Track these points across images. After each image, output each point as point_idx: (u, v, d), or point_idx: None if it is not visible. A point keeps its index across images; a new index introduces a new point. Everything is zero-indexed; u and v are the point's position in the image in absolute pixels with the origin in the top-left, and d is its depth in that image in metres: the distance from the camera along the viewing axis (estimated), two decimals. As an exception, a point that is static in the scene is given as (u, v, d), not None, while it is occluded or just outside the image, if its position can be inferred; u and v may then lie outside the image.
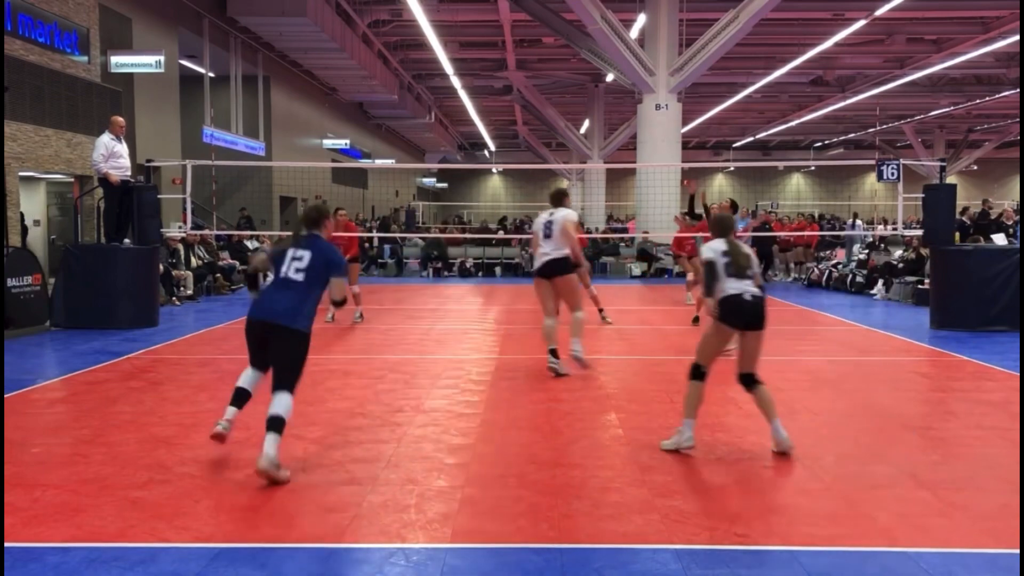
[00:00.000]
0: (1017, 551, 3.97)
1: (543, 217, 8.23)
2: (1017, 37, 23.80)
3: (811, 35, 25.18)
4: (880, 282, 16.43)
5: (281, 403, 5.08)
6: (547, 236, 8.09)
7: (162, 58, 15.94)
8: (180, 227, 15.32)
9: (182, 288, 15.21)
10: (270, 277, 5.36)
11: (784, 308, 14.74)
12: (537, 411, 6.77)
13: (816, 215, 34.80)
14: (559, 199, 8.28)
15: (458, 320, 12.60)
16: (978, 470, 5.26)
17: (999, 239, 14.13)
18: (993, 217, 18.90)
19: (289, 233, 5.66)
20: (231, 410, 5.44)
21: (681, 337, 11.04)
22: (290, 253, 5.29)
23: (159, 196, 12.70)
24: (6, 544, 3.98)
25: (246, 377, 5.49)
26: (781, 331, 11.81)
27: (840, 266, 18.83)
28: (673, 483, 4.94)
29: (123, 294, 11.56)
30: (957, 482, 5.04)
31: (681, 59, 20.55)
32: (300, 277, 5.21)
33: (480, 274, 22.25)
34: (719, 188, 58.99)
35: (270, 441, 4.92)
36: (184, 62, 19.85)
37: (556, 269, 8.11)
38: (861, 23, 22.87)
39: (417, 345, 10.46)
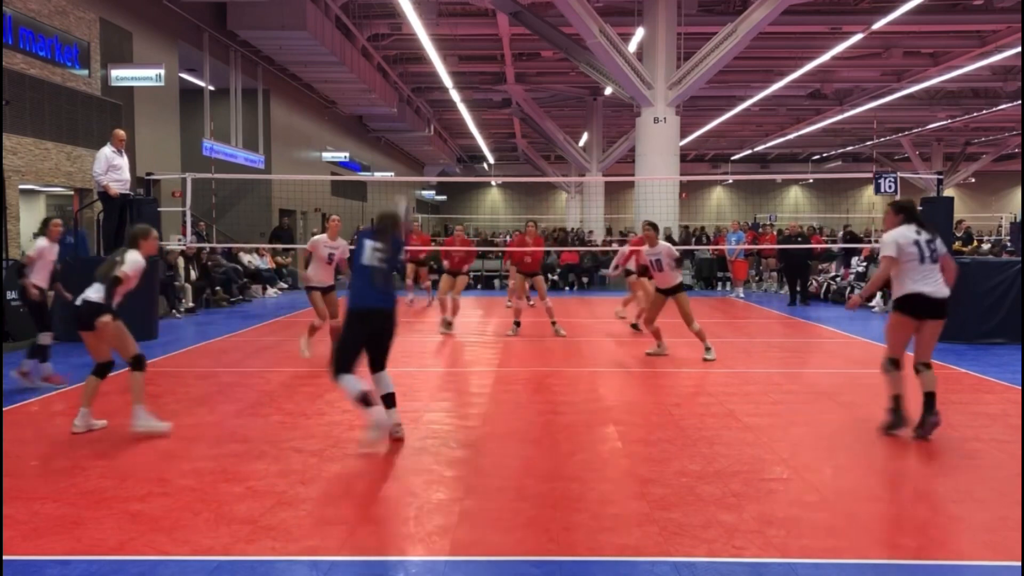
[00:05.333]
0: (1018, 563, 3.98)
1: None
2: (1014, 51, 23.92)
3: (809, 48, 25.28)
4: (879, 295, 16.44)
5: (389, 381, 6.21)
6: None
7: (162, 71, 15.99)
8: (180, 240, 15.35)
9: (182, 300, 15.24)
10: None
11: (782, 321, 14.76)
12: (536, 424, 6.78)
13: (816, 227, 34.83)
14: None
15: (457, 332, 12.60)
16: (977, 482, 5.26)
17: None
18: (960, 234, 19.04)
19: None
20: (376, 411, 5.94)
21: (679, 349, 11.06)
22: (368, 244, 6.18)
23: (159, 209, 12.73)
24: (6, 557, 3.99)
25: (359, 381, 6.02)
26: (779, 344, 11.84)
27: (838, 279, 18.85)
28: (672, 496, 4.95)
29: (122, 307, 11.53)
30: (956, 494, 5.04)
31: (679, 72, 20.62)
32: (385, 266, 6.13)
33: (479, 286, 22.28)
34: (717, 201, 59.11)
35: (395, 413, 6.16)
36: (184, 75, 19.91)
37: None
38: (859, 37, 22.96)
39: (416, 357, 10.46)
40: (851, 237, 23.71)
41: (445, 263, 13.38)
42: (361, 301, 6.05)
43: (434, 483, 5.22)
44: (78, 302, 6.56)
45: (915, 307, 6.37)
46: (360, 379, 5.99)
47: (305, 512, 4.67)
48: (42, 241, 8.67)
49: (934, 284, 6.36)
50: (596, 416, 7.11)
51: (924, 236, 6.40)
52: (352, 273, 6.33)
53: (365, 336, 6.09)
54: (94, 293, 6.46)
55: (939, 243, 6.47)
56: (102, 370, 6.56)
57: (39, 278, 8.66)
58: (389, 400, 6.13)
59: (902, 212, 6.56)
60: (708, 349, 10.15)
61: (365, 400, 5.90)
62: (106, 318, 6.37)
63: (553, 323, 12.45)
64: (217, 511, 4.68)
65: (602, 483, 5.22)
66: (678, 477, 5.31)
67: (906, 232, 6.43)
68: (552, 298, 13.00)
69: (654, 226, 10.35)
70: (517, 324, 12.40)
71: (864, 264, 18.55)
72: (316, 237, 9.88)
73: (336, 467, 5.54)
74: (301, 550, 4.15)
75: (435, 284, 14.84)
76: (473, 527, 4.48)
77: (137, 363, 6.55)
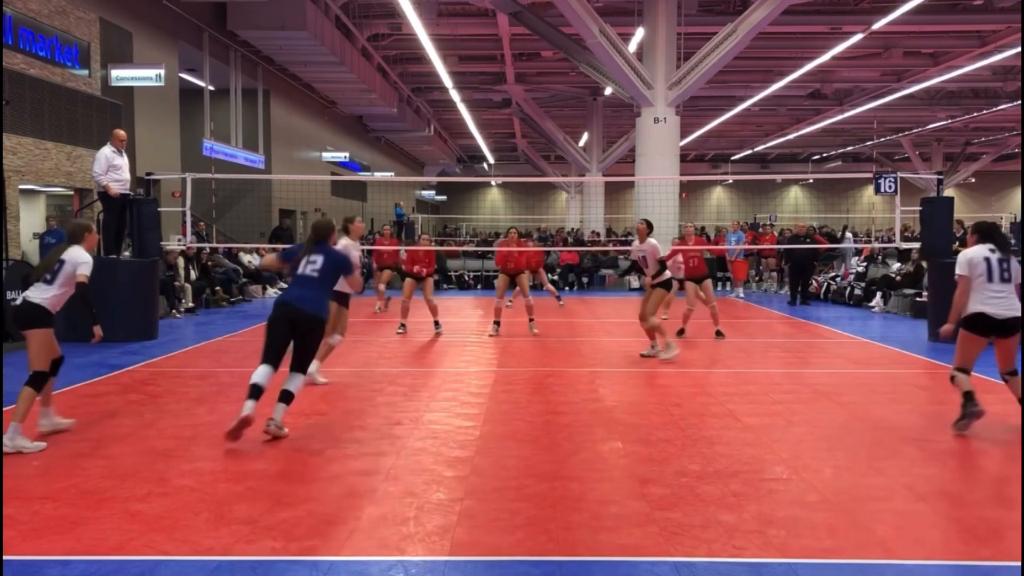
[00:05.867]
0: (1018, 563, 3.98)
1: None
2: (1014, 51, 23.92)
3: (809, 49, 25.28)
4: (878, 295, 16.46)
5: (296, 382, 6.40)
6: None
7: (162, 71, 15.99)
8: (179, 240, 15.35)
9: (182, 300, 15.24)
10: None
11: (782, 321, 14.76)
12: (536, 424, 6.78)
13: (816, 227, 34.83)
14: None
15: (456, 332, 12.61)
16: (977, 483, 5.27)
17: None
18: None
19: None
20: (250, 405, 6.08)
21: (679, 349, 11.06)
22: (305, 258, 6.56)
23: (159, 209, 12.73)
24: (6, 557, 3.99)
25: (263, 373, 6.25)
26: (779, 344, 11.84)
27: (838, 279, 18.85)
28: (672, 496, 4.95)
29: (123, 307, 11.56)
30: (955, 495, 5.04)
31: (679, 72, 20.62)
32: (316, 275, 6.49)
33: (479, 287, 22.28)
34: (717, 201, 59.12)
35: (279, 409, 6.24)
36: (184, 75, 19.92)
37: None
38: (859, 37, 22.96)
39: (416, 358, 10.47)
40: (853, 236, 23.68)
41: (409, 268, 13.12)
42: (286, 295, 6.60)
43: (434, 483, 5.22)
44: (18, 300, 6.22)
45: (980, 326, 6.58)
46: (268, 374, 6.23)
47: (305, 512, 4.67)
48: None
49: (1001, 303, 6.49)
50: (596, 416, 7.11)
51: (997, 255, 6.55)
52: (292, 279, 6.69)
53: (284, 331, 6.42)
54: (36, 294, 6.11)
55: (1015, 264, 6.58)
56: (37, 379, 6.11)
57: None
58: (284, 396, 6.31)
59: (977, 232, 6.79)
60: (668, 346, 10.17)
61: (253, 391, 6.12)
62: (42, 331, 6.11)
63: (531, 320, 12.65)
64: (217, 511, 4.68)
65: (602, 483, 5.22)
66: (678, 477, 5.31)
67: (979, 250, 6.60)
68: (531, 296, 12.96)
69: (648, 224, 10.53)
70: (496, 324, 12.45)
71: (864, 264, 18.57)
72: (345, 242, 8.58)
73: (336, 467, 5.54)
74: (301, 550, 4.15)
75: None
76: (473, 527, 4.48)
77: (36, 380, 6.04)
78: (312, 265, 6.56)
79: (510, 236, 13.18)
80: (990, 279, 6.49)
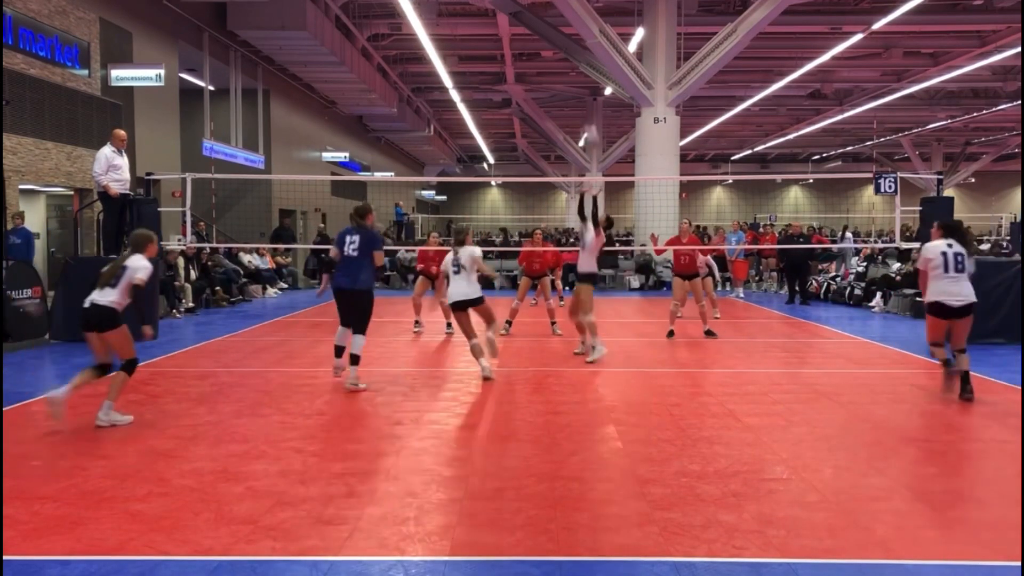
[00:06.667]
0: (1018, 564, 3.98)
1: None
2: (1014, 51, 23.93)
3: (809, 49, 25.30)
4: (878, 295, 16.46)
5: (357, 344, 8.17)
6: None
7: (162, 71, 15.98)
8: (179, 240, 15.36)
9: (182, 300, 15.25)
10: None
11: (782, 321, 14.76)
12: (536, 424, 6.78)
13: (816, 227, 34.84)
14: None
15: (457, 332, 12.60)
16: (976, 483, 5.27)
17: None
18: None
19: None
20: (337, 361, 8.35)
21: (678, 350, 11.07)
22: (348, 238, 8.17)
23: (159, 209, 12.73)
24: (6, 557, 3.99)
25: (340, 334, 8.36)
26: (779, 343, 11.84)
27: (838, 279, 18.86)
28: (672, 496, 4.95)
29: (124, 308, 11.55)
30: (955, 495, 5.05)
31: (679, 72, 20.64)
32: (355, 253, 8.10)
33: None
34: (717, 201, 59.13)
35: (352, 371, 8.13)
36: (184, 75, 19.91)
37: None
38: (859, 37, 22.98)
39: (416, 358, 10.47)
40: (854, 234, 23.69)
41: (420, 267, 13.50)
42: (337, 281, 8.21)
43: (434, 483, 5.22)
44: (86, 304, 6.75)
45: (938, 311, 7.67)
46: (343, 333, 8.29)
47: (305, 512, 4.67)
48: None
49: (955, 293, 7.53)
50: (596, 416, 7.11)
51: (954, 250, 7.61)
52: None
53: (344, 307, 8.25)
54: (102, 297, 6.70)
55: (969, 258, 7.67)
56: (102, 369, 6.78)
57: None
58: (352, 359, 8.14)
59: (942, 229, 7.87)
60: (592, 348, 9.90)
61: (336, 350, 8.35)
62: (119, 329, 6.73)
63: (552, 323, 12.54)
64: (217, 511, 4.68)
65: (602, 483, 5.22)
66: (678, 477, 5.31)
67: (938, 244, 7.69)
68: (552, 298, 13.10)
69: (609, 221, 10.89)
70: (508, 323, 12.45)
71: (864, 264, 18.57)
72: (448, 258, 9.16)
73: (337, 467, 5.54)
74: (301, 550, 4.15)
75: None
76: (473, 527, 4.48)
77: (129, 366, 6.83)
78: (352, 245, 8.10)
79: (535, 237, 13.10)
80: (946, 270, 7.54)
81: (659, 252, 12.94)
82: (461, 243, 8.94)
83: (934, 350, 7.99)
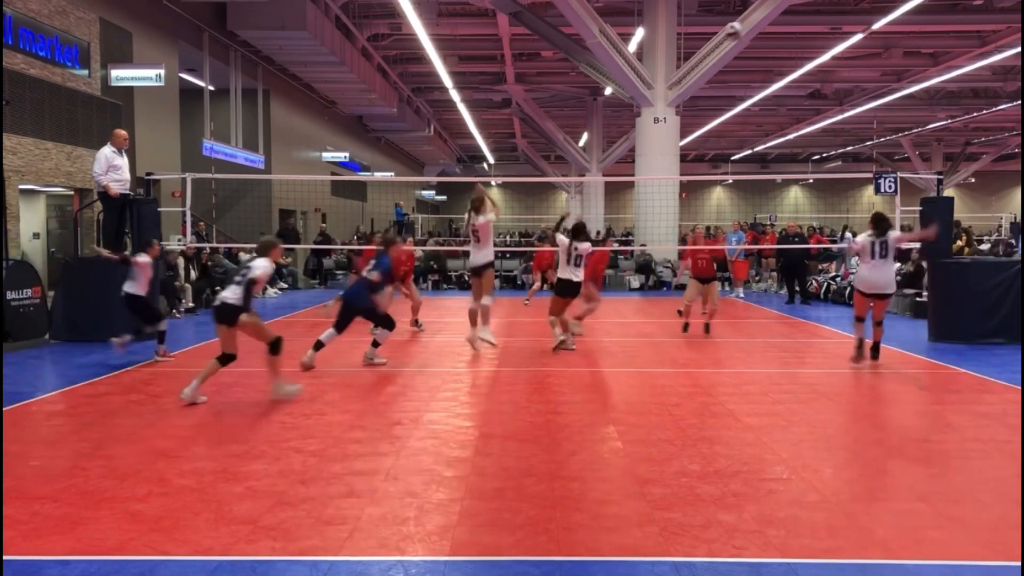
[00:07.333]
0: (1018, 563, 3.98)
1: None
2: (1014, 51, 23.93)
3: (809, 49, 25.30)
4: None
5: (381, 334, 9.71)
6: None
7: (162, 71, 15.98)
8: (179, 240, 15.35)
9: (182, 300, 15.25)
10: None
11: (782, 321, 14.76)
12: (536, 423, 6.78)
13: (816, 227, 34.85)
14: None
15: (456, 332, 12.60)
16: (976, 483, 5.27)
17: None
18: None
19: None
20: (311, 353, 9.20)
21: (678, 350, 11.07)
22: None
23: (159, 209, 12.73)
24: (6, 557, 3.99)
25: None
26: (779, 343, 11.84)
27: (838, 279, 18.86)
28: (671, 496, 4.95)
29: (122, 307, 11.55)
30: (955, 494, 5.04)
31: (679, 72, 20.64)
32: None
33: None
34: (717, 201, 59.13)
35: (371, 350, 9.78)
36: (184, 75, 19.90)
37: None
38: (859, 37, 22.98)
39: (416, 357, 10.47)
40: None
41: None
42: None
43: (434, 483, 5.22)
44: (216, 302, 7.59)
45: (863, 290, 9.41)
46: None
47: (305, 512, 4.67)
48: (143, 256, 9.93)
49: (877, 276, 9.24)
50: (596, 416, 7.11)
51: (878, 240, 9.21)
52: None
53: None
54: (231, 295, 7.44)
55: (890, 243, 9.22)
56: (225, 359, 7.52)
57: (140, 286, 9.85)
58: (374, 343, 9.84)
59: (871, 222, 9.46)
60: (557, 335, 10.57)
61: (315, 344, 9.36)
62: (244, 317, 7.45)
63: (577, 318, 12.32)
64: (217, 511, 4.68)
65: (602, 483, 5.22)
66: (678, 477, 5.31)
67: (866, 236, 9.36)
68: (537, 299, 13.08)
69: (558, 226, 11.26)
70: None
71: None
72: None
73: (336, 467, 5.54)
74: (301, 550, 4.16)
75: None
76: (473, 527, 4.48)
77: (274, 347, 7.58)
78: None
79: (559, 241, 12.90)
80: (872, 256, 9.21)
81: (686, 266, 13.23)
82: (477, 210, 10.36)
83: (856, 325, 9.52)
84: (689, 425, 6.72)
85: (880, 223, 9.34)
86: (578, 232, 10.63)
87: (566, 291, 10.53)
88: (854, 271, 18.62)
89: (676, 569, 3.93)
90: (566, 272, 10.48)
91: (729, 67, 23.18)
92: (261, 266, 7.61)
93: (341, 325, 9.49)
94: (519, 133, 43.58)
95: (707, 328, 12.42)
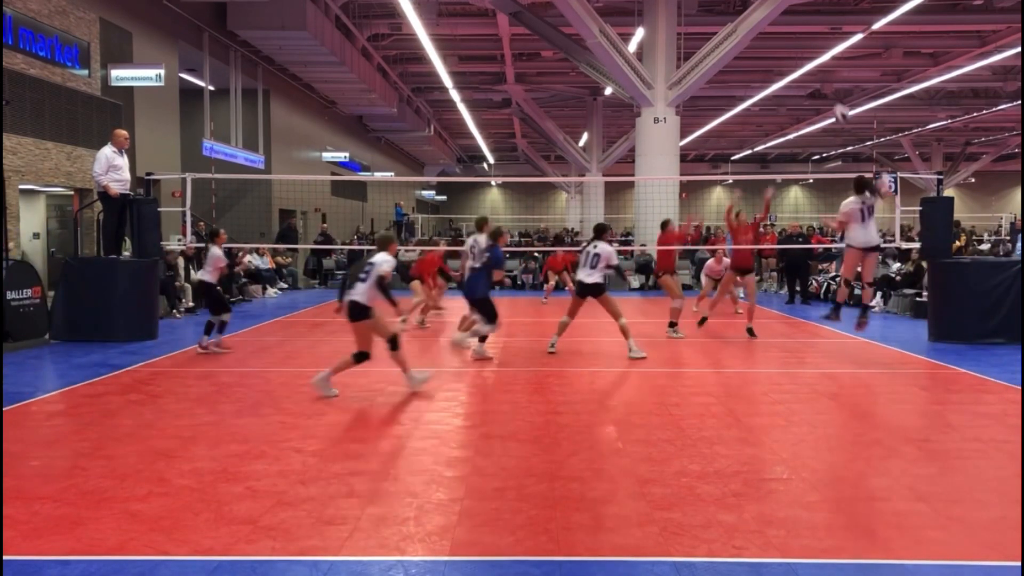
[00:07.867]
0: (1018, 563, 3.98)
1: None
2: (1014, 51, 23.92)
3: (809, 49, 25.28)
4: (878, 295, 16.45)
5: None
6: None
7: (162, 72, 15.98)
8: (179, 240, 15.35)
9: (182, 300, 15.24)
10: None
11: (782, 321, 14.76)
12: (536, 424, 6.78)
13: (816, 227, 34.83)
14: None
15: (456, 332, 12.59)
16: (976, 483, 5.27)
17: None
18: None
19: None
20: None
21: (678, 350, 11.07)
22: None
23: (159, 209, 12.73)
24: (5, 557, 3.99)
25: None
26: (779, 343, 11.84)
27: (838, 279, 18.84)
28: (671, 496, 4.95)
29: (122, 307, 11.57)
30: (955, 494, 5.04)
31: (679, 72, 20.62)
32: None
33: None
34: (717, 201, 59.09)
35: (479, 344, 10.18)
36: (184, 75, 19.90)
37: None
38: (859, 37, 22.96)
39: (416, 358, 10.46)
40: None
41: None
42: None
43: (434, 483, 5.22)
44: (346, 299, 7.91)
45: (859, 245, 9.80)
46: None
47: (305, 512, 4.67)
48: (215, 249, 10.63)
49: (867, 232, 9.73)
50: (596, 416, 7.11)
51: (867, 203, 9.68)
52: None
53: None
54: (358, 294, 7.77)
55: (871, 203, 9.71)
56: (360, 356, 7.85)
57: (211, 275, 10.56)
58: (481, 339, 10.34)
59: (854, 186, 9.82)
60: (552, 344, 10.67)
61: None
62: (368, 320, 7.79)
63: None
64: (217, 511, 4.68)
65: (602, 483, 5.22)
66: (678, 477, 5.31)
67: (854, 200, 9.75)
68: (553, 298, 13.13)
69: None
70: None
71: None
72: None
73: (336, 467, 5.54)
74: (301, 550, 4.16)
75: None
76: (473, 527, 4.48)
77: (392, 343, 7.92)
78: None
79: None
80: (862, 219, 9.68)
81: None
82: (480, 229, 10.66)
83: (842, 289, 10.31)
84: (689, 425, 6.72)
85: (862, 186, 9.79)
86: (600, 232, 10.64)
87: (582, 291, 10.50)
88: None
89: (676, 569, 3.93)
90: (582, 273, 10.48)
91: (729, 67, 23.16)
92: (384, 260, 7.88)
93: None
94: (519, 133, 43.56)
95: (751, 331, 12.21)
